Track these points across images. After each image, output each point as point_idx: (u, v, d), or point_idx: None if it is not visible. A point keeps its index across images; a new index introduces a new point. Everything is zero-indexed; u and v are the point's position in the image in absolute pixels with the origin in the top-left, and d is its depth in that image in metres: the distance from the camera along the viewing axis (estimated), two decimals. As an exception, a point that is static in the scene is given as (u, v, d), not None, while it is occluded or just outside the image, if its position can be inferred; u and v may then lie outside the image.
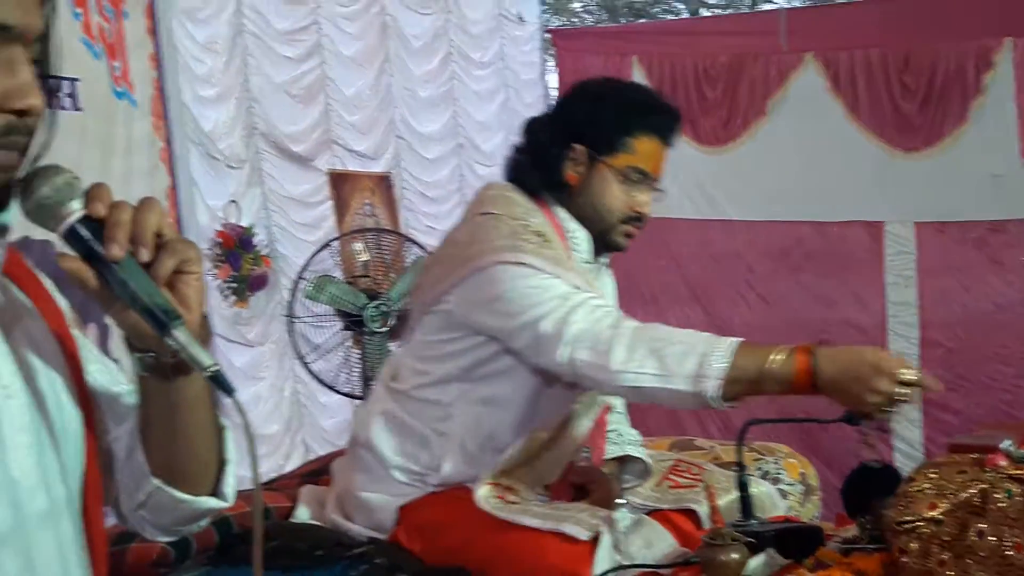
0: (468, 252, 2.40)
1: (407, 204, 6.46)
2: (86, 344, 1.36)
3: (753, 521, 2.27)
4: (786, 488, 2.80)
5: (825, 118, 6.07)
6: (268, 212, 5.50)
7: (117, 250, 1.12)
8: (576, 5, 17.46)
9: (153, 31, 4.63)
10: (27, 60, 1.12)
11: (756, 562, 2.12)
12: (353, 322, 4.54)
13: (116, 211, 1.13)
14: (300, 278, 4.52)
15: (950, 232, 6.06)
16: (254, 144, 5.41)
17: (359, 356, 4.69)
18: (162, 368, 1.22)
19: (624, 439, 2.71)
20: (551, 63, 7.63)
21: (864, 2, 6.45)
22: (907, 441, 6.14)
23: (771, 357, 2.10)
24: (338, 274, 4.71)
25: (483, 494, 2.35)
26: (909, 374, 2.04)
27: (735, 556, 2.03)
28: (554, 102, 2.74)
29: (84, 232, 1.13)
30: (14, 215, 1.17)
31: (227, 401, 1.19)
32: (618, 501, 2.58)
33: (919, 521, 1.94)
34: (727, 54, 6.24)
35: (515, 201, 2.48)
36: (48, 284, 1.33)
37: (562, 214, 2.50)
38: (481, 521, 2.33)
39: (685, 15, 16.58)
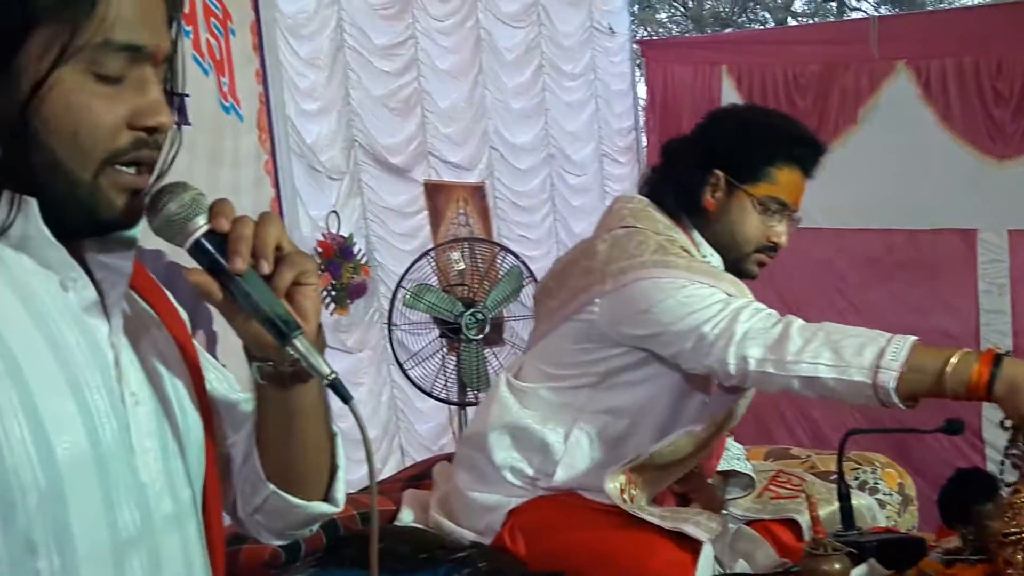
0: (613, 265, 2.37)
1: (499, 213, 6.48)
2: (204, 352, 1.38)
3: (854, 531, 2.24)
4: (884, 498, 2.75)
5: (917, 126, 5.99)
6: (367, 222, 5.55)
7: (240, 263, 1.13)
8: (662, 15, 17.44)
9: (259, 47, 4.69)
10: (157, 80, 1.15)
11: (858, 573, 2.09)
12: (450, 329, 4.56)
13: (239, 226, 1.15)
14: (399, 286, 4.54)
15: (1045, 239, 5.94)
16: (354, 156, 5.48)
17: (455, 363, 4.71)
18: (280, 376, 1.23)
19: (730, 453, 2.68)
20: (640, 73, 7.62)
21: (955, 9, 6.35)
22: (996, 448, 6.02)
23: (951, 359, 2.04)
24: (434, 282, 4.74)
25: (611, 487, 2.32)
26: None
27: (837, 566, 2.00)
28: (698, 126, 2.62)
29: (209, 246, 1.15)
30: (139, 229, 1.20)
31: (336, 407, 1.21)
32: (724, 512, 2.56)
33: (1024, 533, 1.89)
34: (817, 63, 6.17)
35: (656, 218, 2.45)
36: (169, 294, 1.35)
37: (697, 238, 2.46)
38: (589, 526, 2.32)
39: (771, 24, 16.47)
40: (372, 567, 1.23)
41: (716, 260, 2.46)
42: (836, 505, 2.48)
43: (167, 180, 1.19)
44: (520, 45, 6.53)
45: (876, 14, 15.51)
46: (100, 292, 1.18)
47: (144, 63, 1.13)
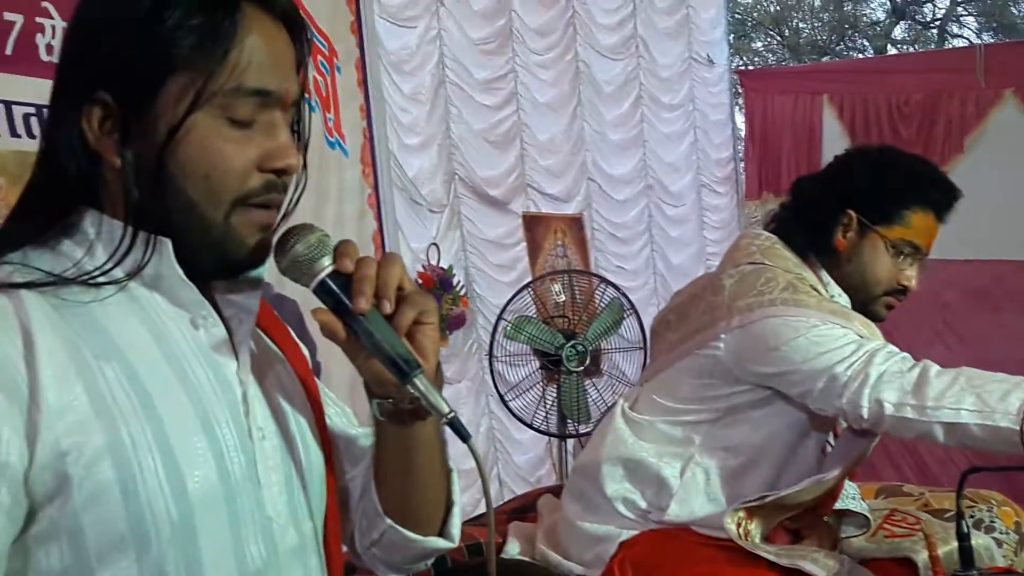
0: (740, 301, 2.36)
1: (597, 245, 6.48)
2: (324, 388, 1.40)
3: (974, 572, 2.18)
4: (1000, 537, 2.67)
5: (1025, 155, 5.87)
6: (466, 254, 5.59)
7: (364, 303, 1.15)
8: (758, 44, 17.34)
9: (363, 83, 4.76)
10: (285, 123, 1.18)
11: (977, 614, 2.03)
12: (550, 361, 4.56)
13: (363, 266, 1.17)
14: (500, 318, 4.55)
15: None
16: (454, 189, 5.53)
17: (554, 394, 4.70)
18: (399, 413, 1.24)
19: (845, 492, 2.60)
20: (738, 104, 7.58)
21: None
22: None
23: None
24: (532, 313, 4.74)
25: (730, 522, 2.30)
26: None
27: (959, 609, 1.96)
28: (830, 163, 2.61)
29: (334, 287, 1.16)
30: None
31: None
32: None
33: None
34: (922, 91, 6.09)
35: (785, 255, 2.44)
36: (291, 331, 1.37)
37: (826, 277, 2.44)
38: (702, 562, 2.30)
39: (870, 51, 16.27)
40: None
41: (844, 301, 2.42)
42: (954, 544, 2.42)
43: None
44: (619, 77, 6.54)
45: (979, 41, 15.27)
46: (228, 329, 1.21)
47: (273, 107, 1.16)
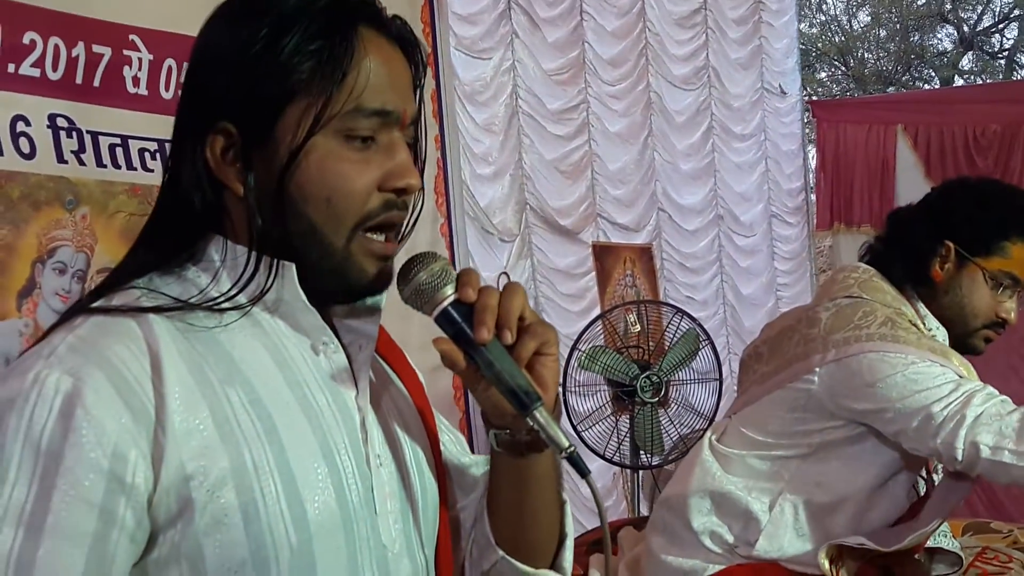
0: (837, 335, 2.34)
1: (666, 275, 6.46)
2: (439, 416, 1.40)
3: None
4: (1094, 575, 2.62)
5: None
6: (536, 283, 5.58)
7: (486, 333, 1.14)
8: (822, 75, 17.25)
9: (438, 114, 4.79)
10: (404, 143, 1.19)
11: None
12: (625, 392, 4.54)
13: (484, 296, 1.16)
14: (575, 347, 4.55)
15: None
16: (525, 218, 5.53)
17: (627, 425, 4.69)
18: (516, 445, 1.23)
19: (939, 530, 2.59)
20: (810, 134, 7.54)
21: None
22: None
23: None
24: (601, 343, 4.73)
25: (823, 558, 2.28)
26: None
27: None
28: (927, 195, 2.60)
29: (456, 316, 1.16)
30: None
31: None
32: None
33: None
34: (999, 122, 6.01)
35: (884, 289, 2.43)
36: (408, 358, 1.37)
37: (923, 310, 2.43)
38: None
39: (936, 83, 16.14)
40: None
41: (941, 334, 2.41)
42: None
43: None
44: (690, 107, 6.54)
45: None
46: (347, 355, 1.21)
47: (392, 127, 1.17)
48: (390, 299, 1.23)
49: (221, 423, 1.09)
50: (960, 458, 2.14)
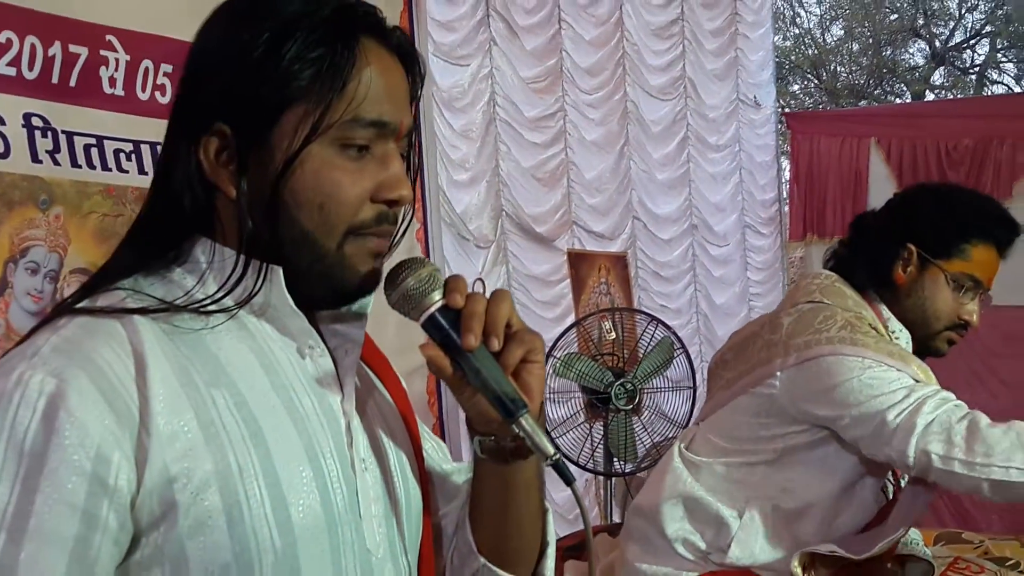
0: (798, 339, 2.35)
1: (640, 283, 6.47)
2: (420, 424, 1.39)
3: (1049, 621, 2.16)
4: (1065, 585, 2.64)
5: (1076, 201, 5.82)
6: (511, 290, 5.57)
7: (472, 340, 1.14)
8: (795, 88, 17.35)
9: (415, 119, 4.78)
10: (398, 154, 1.18)
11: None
12: (599, 399, 4.55)
13: (472, 302, 1.16)
14: (550, 354, 4.55)
15: None
16: (501, 225, 5.54)
17: (601, 432, 4.69)
18: (501, 451, 1.23)
19: (908, 538, 2.60)
20: (784, 145, 7.58)
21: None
22: None
23: None
24: (575, 350, 4.74)
25: (795, 565, 2.29)
26: None
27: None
28: (892, 199, 2.60)
29: (443, 322, 1.16)
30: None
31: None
32: None
33: None
34: (971, 137, 6.05)
35: (846, 294, 2.43)
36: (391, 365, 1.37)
37: (886, 313, 2.44)
38: None
39: (908, 97, 16.26)
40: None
41: (905, 337, 2.42)
42: None
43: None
44: (666, 117, 6.56)
45: (1017, 88, 15.24)
46: (333, 360, 1.21)
47: (388, 138, 1.17)
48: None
49: (206, 425, 1.08)
50: (912, 465, 2.16)
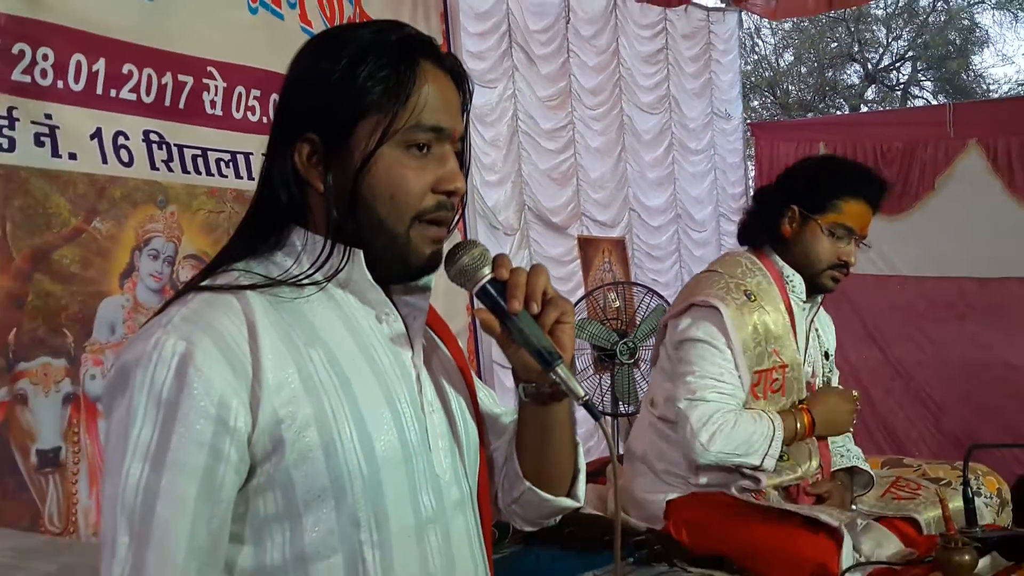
0: (684, 295, 2.46)
1: (636, 262, 6.44)
2: (474, 376, 1.38)
3: (976, 528, 2.13)
4: (986, 501, 2.62)
5: (986, 192, 5.79)
6: (532, 269, 5.56)
7: (517, 305, 1.14)
8: (755, 103, 17.21)
9: (466, 127, 4.77)
10: (453, 154, 1.17)
11: (983, 563, 1.98)
12: (606, 355, 4.54)
13: (516, 275, 1.16)
14: (567, 320, 4.53)
15: (1096, 285, 5.66)
16: (524, 216, 5.52)
17: (609, 381, 4.68)
18: (540, 396, 1.23)
19: (851, 454, 2.59)
20: (750, 149, 7.53)
21: (1018, 97, 6.11)
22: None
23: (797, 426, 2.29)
24: (585, 316, 4.72)
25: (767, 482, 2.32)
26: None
27: (967, 558, 1.91)
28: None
29: (492, 291, 1.16)
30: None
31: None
32: (853, 508, 2.47)
33: None
34: (901, 140, 6.01)
35: (740, 263, 2.46)
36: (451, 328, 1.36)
37: (780, 262, 2.45)
38: (740, 517, 2.27)
39: (846, 110, 16.14)
40: (616, 551, 1.21)
41: (797, 279, 2.44)
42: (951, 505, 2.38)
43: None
44: (655, 128, 6.51)
45: (935, 101, 15.11)
46: (405, 324, 1.20)
47: (444, 141, 1.16)
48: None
49: (305, 378, 1.08)
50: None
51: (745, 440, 2.26)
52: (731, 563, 2.21)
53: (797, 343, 2.43)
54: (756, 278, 2.42)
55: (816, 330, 2.56)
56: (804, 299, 2.47)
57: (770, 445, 2.26)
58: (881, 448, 6.05)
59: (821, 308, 2.59)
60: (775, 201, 2.44)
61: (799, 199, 2.40)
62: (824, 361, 2.57)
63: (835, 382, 2.64)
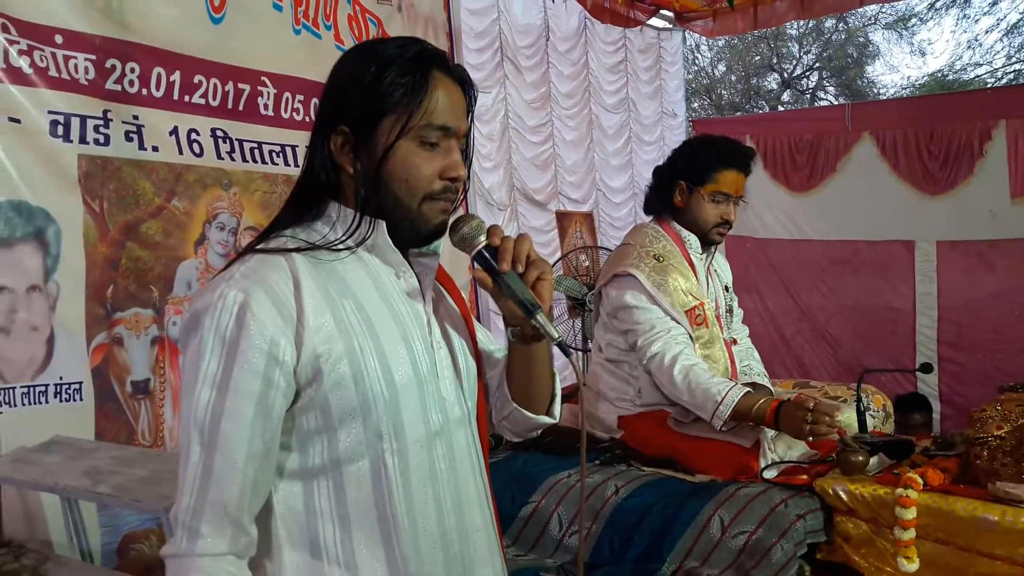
0: (607, 268, 2.41)
1: (601, 231, 6.40)
2: (474, 320, 1.37)
3: (866, 435, 2.15)
4: (874, 414, 2.63)
5: (876, 173, 5.74)
6: (522, 237, 5.52)
7: (506, 266, 1.13)
8: (695, 105, 17.08)
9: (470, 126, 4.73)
10: (458, 148, 1.15)
11: (873, 462, 2.00)
12: (577, 304, 4.54)
13: (505, 241, 1.15)
14: (547, 276, 4.52)
15: (960, 248, 5.62)
16: (513, 195, 5.46)
17: (580, 324, 4.69)
18: (525, 337, 1.22)
19: (754, 371, 2.58)
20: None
21: (905, 99, 6.05)
22: (927, 383, 5.77)
23: (754, 409, 2.10)
24: (562, 273, 4.72)
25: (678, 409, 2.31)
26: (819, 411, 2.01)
27: (860, 458, 1.93)
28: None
29: (486, 254, 1.15)
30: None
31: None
32: None
33: (989, 437, 1.79)
34: (810, 133, 5.96)
35: (646, 234, 2.43)
36: (456, 283, 1.34)
37: (677, 227, 2.42)
38: (679, 430, 2.27)
39: (766, 109, 16.06)
40: (582, 455, 1.21)
41: (693, 238, 2.41)
42: (843, 416, 2.39)
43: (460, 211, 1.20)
44: (616, 124, 6.45)
45: (836, 102, 15.03)
46: (418, 280, 1.19)
47: (451, 137, 1.14)
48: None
49: (339, 322, 1.07)
50: (649, 372, 2.28)
51: (701, 394, 2.20)
52: (675, 463, 2.22)
53: (699, 284, 2.41)
54: (661, 243, 2.39)
55: (715, 271, 2.53)
56: (700, 252, 2.44)
57: (715, 410, 2.16)
58: (792, 374, 6.08)
59: (717, 254, 2.56)
60: (666, 178, 2.40)
61: (684, 175, 2.36)
62: (724, 293, 2.54)
63: (736, 308, 2.63)
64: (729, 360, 2.46)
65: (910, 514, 1.76)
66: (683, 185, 2.35)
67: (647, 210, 2.49)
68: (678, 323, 2.29)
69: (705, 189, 2.34)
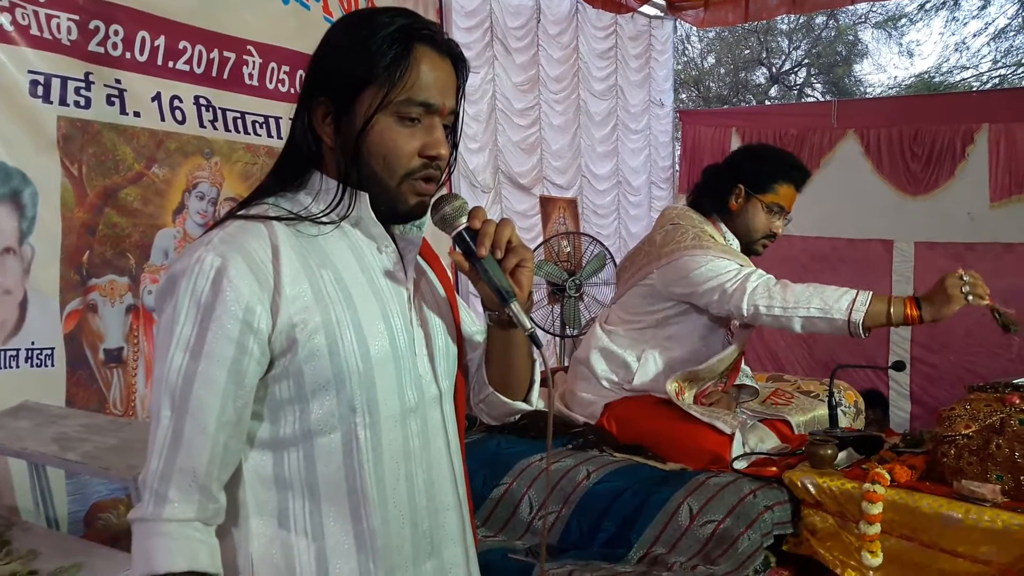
0: (664, 248, 2.35)
1: (585, 218, 6.39)
2: (459, 300, 1.36)
3: (837, 429, 2.17)
4: (845, 410, 2.66)
5: (859, 171, 5.78)
6: (504, 220, 5.51)
7: (483, 251, 1.11)
8: (684, 96, 17.09)
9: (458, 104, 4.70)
10: (440, 126, 1.12)
11: (842, 456, 2.02)
12: (557, 289, 4.54)
13: (486, 225, 1.13)
14: (527, 261, 4.51)
15: (938, 249, 5.69)
16: (498, 178, 5.44)
17: (559, 310, 4.69)
18: (502, 322, 1.21)
19: (743, 373, 2.62)
20: (677, 131, 7.47)
21: (889, 97, 6.09)
22: (899, 382, 5.85)
23: (892, 305, 2.02)
24: (543, 258, 4.72)
25: (670, 388, 2.30)
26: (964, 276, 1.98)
27: (830, 451, 1.95)
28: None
29: (466, 237, 1.13)
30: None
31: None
32: (738, 412, 2.50)
33: (956, 436, 1.81)
34: (796, 128, 5.98)
35: (692, 218, 2.41)
36: (442, 259, 1.33)
37: (723, 228, 2.42)
38: (658, 416, 2.29)
39: (754, 102, 16.08)
40: (548, 436, 1.21)
41: (736, 244, 2.41)
42: (815, 413, 2.42)
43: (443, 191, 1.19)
44: (604, 111, 6.43)
45: (823, 99, 15.09)
46: (401, 255, 1.18)
47: (434, 115, 1.11)
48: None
49: (316, 292, 1.06)
50: (746, 315, 2.15)
51: (818, 287, 2.12)
52: (647, 451, 2.24)
53: None
54: (710, 228, 2.40)
55: None
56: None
57: (855, 299, 2.05)
58: (766, 368, 6.13)
59: None
60: (724, 179, 2.39)
61: (745, 179, 2.35)
62: None
63: None
64: (736, 366, 2.49)
65: (876, 509, 1.79)
66: (742, 189, 2.35)
67: (693, 205, 2.47)
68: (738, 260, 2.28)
69: (765, 198, 2.34)
